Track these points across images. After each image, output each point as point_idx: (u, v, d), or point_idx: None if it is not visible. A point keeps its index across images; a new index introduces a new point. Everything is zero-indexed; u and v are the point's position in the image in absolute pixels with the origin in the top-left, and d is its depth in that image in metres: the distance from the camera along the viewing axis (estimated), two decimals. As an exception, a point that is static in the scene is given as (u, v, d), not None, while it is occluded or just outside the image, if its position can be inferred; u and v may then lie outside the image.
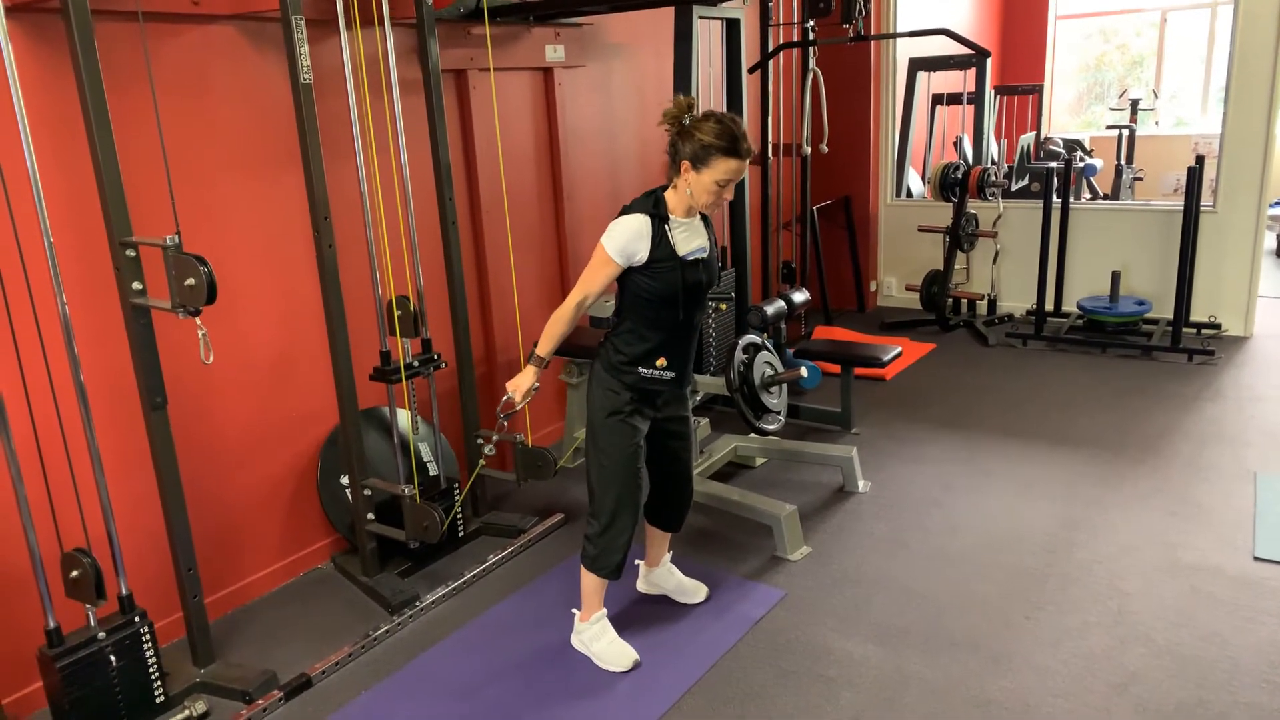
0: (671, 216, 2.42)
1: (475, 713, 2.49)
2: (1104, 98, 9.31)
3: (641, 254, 2.38)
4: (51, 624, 2.30)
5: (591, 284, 2.44)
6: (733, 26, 3.82)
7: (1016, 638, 2.68)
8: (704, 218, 2.53)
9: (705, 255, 2.49)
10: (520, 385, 2.59)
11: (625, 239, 2.38)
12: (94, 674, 2.35)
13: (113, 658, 2.38)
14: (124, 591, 2.43)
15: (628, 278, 2.44)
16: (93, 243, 2.50)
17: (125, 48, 2.55)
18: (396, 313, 3.05)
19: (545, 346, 2.55)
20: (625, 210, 2.44)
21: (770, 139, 5.33)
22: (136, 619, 2.43)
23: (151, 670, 2.46)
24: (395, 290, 3.13)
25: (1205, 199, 5.27)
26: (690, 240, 2.45)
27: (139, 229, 2.42)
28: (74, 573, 2.29)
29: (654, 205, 2.41)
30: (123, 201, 2.32)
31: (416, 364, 3.11)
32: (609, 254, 2.39)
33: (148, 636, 2.44)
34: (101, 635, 2.36)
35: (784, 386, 3.39)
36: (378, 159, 3.15)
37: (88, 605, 2.33)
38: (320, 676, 2.66)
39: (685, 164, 2.36)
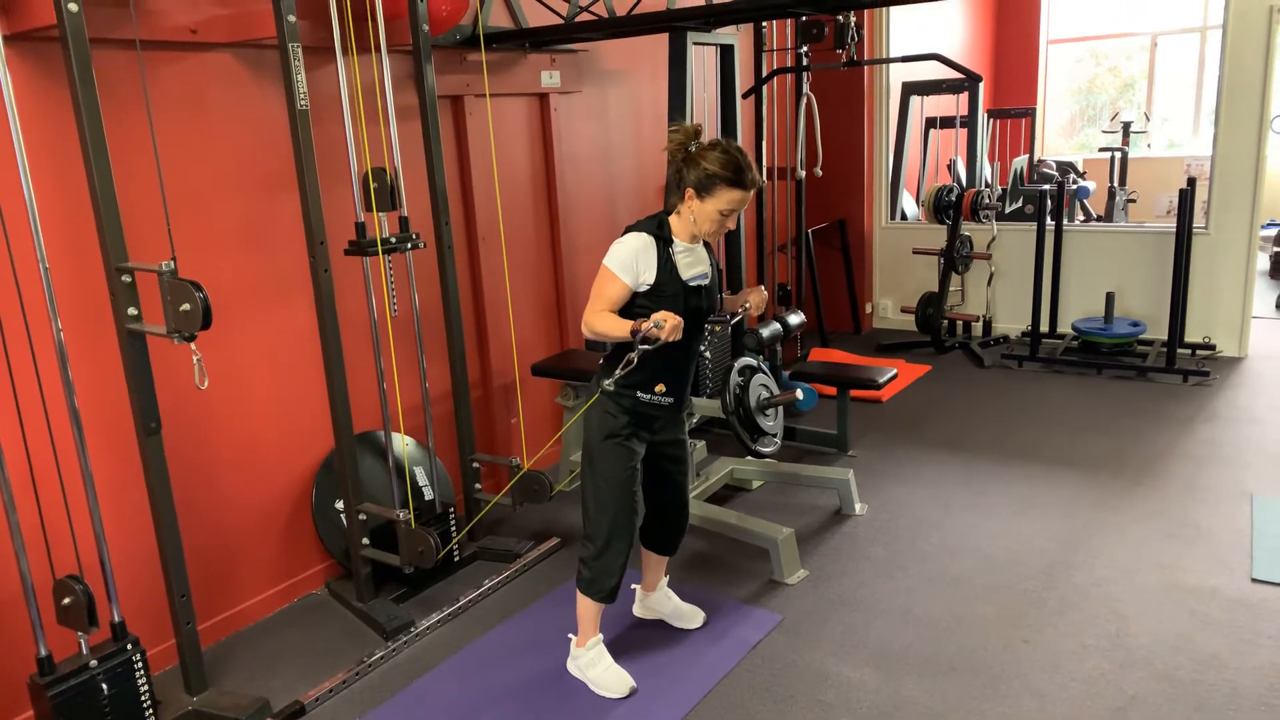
0: (675, 240, 2.43)
1: (470, 740, 2.47)
2: (1096, 120, 9.39)
3: (647, 276, 2.38)
4: (43, 652, 2.28)
5: (607, 301, 2.37)
6: (727, 52, 3.85)
7: (1015, 662, 2.67)
8: (705, 244, 2.54)
9: (706, 282, 2.50)
10: (657, 315, 2.25)
11: (628, 256, 2.37)
12: (86, 702, 2.32)
13: (105, 686, 2.36)
14: (116, 618, 2.41)
15: (630, 303, 2.43)
16: (88, 268, 2.51)
17: (123, 74, 2.56)
18: (373, 185, 2.87)
19: (624, 325, 2.30)
20: (629, 230, 2.44)
21: (765, 163, 5.36)
22: (129, 646, 2.41)
23: (144, 698, 2.44)
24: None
25: (1198, 220, 5.31)
26: (693, 266, 2.46)
27: (135, 254, 2.43)
28: (66, 600, 2.27)
29: (658, 227, 2.42)
30: (119, 227, 2.33)
31: (394, 240, 2.98)
32: (613, 271, 2.38)
33: (140, 664, 2.42)
34: (94, 663, 2.34)
35: (780, 409, 3.38)
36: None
37: (80, 633, 2.31)
38: (314, 704, 2.64)
39: (689, 191, 2.37)
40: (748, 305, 2.67)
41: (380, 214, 2.92)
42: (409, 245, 3.02)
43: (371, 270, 2.99)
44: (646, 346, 2.28)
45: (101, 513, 2.40)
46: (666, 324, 2.23)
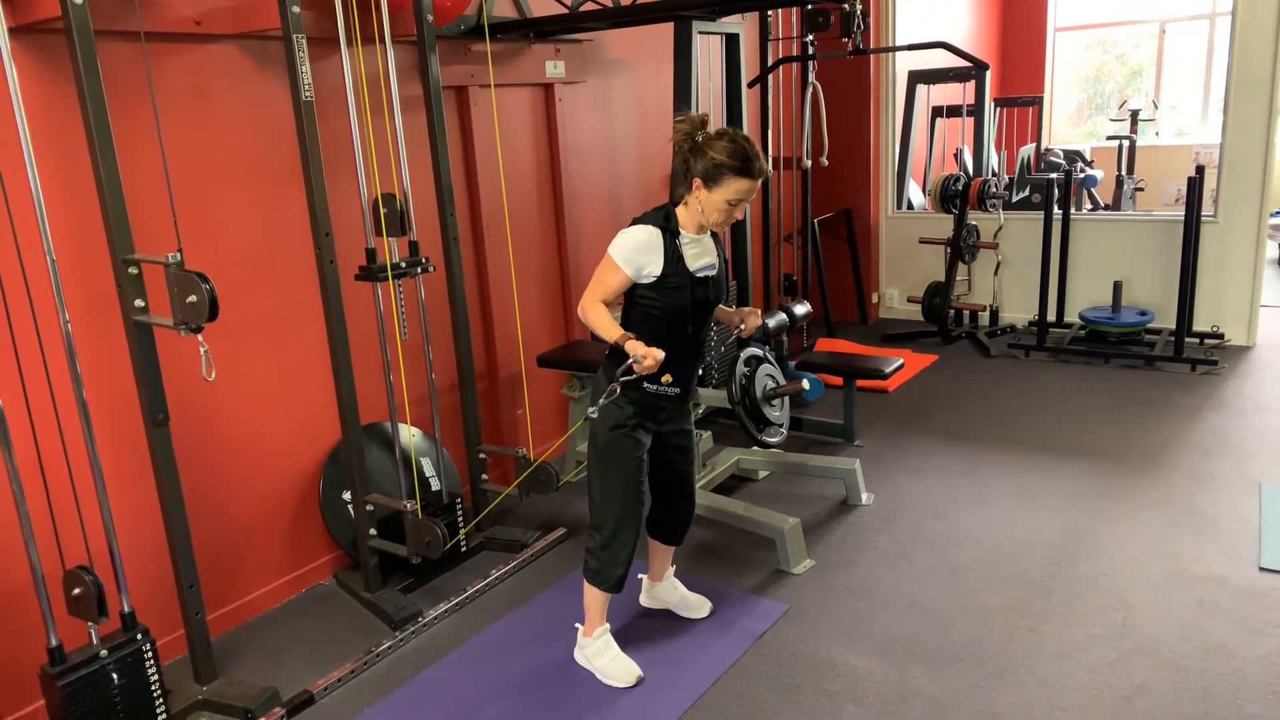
0: (683, 232, 2.42)
1: (478, 729, 2.48)
2: (1104, 109, 9.33)
3: (652, 268, 2.38)
4: (53, 642, 2.30)
5: (606, 290, 2.41)
6: (732, 41, 3.84)
7: (1021, 651, 2.67)
8: (713, 235, 2.53)
9: (714, 273, 2.50)
10: (637, 348, 2.32)
11: (632, 248, 2.38)
12: (96, 692, 2.34)
13: (115, 676, 2.37)
14: (126, 609, 2.43)
15: (636, 293, 2.43)
16: (95, 260, 2.51)
17: (128, 66, 2.57)
18: (382, 211, 2.94)
19: (614, 331, 2.38)
20: (635, 223, 2.44)
21: (771, 152, 5.35)
22: (139, 636, 2.42)
23: (154, 688, 2.46)
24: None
25: (1206, 209, 5.28)
26: (700, 257, 2.45)
27: (141, 246, 2.43)
28: (76, 590, 2.29)
29: (665, 219, 2.42)
30: (125, 219, 2.33)
31: (403, 265, 3.01)
32: (615, 262, 2.39)
33: (150, 654, 2.44)
34: (104, 653, 2.36)
35: (786, 399, 3.38)
36: (379, 175, 3.17)
37: (90, 623, 2.33)
38: (323, 693, 2.65)
39: (697, 181, 2.36)
40: (742, 326, 2.68)
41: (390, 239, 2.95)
42: (419, 270, 3.05)
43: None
44: (627, 378, 2.37)
45: (110, 504, 2.42)
46: (645, 360, 2.30)
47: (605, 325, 2.39)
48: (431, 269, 3.09)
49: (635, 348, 2.32)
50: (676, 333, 2.45)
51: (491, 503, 3.40)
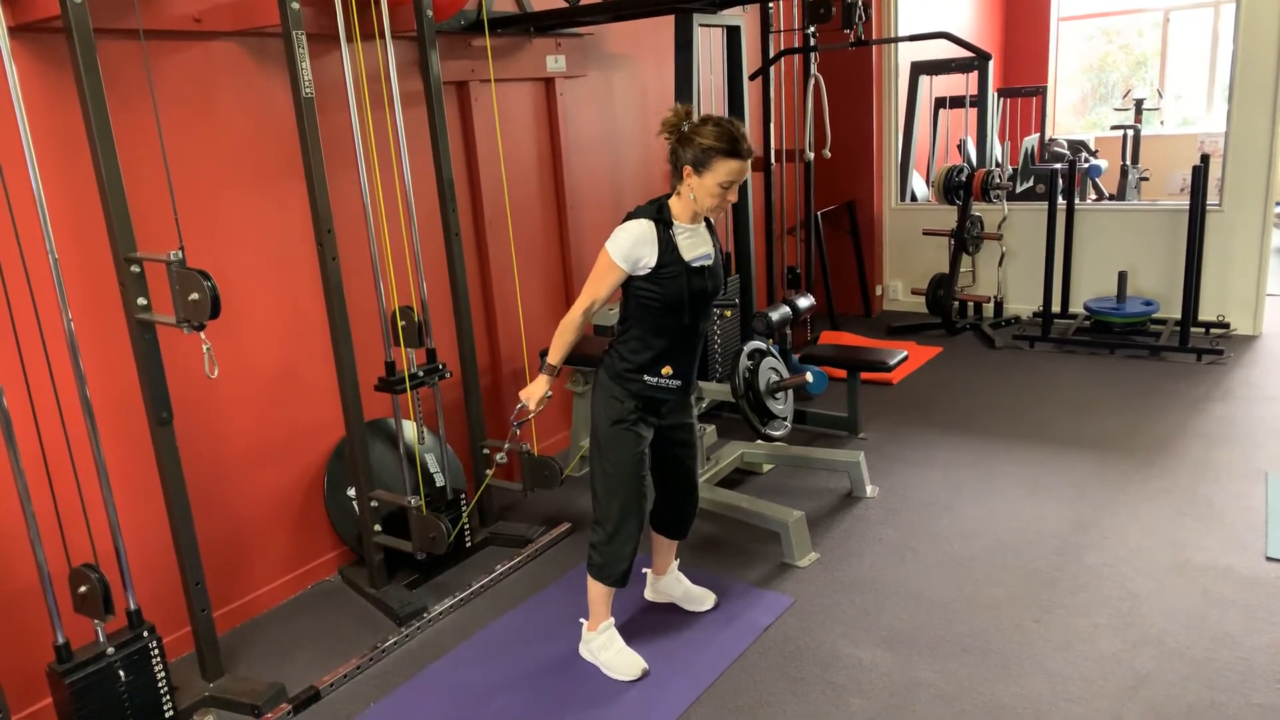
0: (676, 223, 2.43)
1: (484, 724, 2.49)
2: (1108, 98, 9.29)
3: (647, 260, 2.39)
4: (60, 640, 2.31)
5: (598, 290, 2.44)
6: (733, 34, 3.83)
7: (1027, 642, 2.66)
8: (709, 226, 2.53)
9: (710, 262, 2.50)
10: (533, 393, 2.56)
11: (629, 244, 2.39)
12: (103, 689, 2.35)
13: (122, 673, 2.38)
14: (132, 606, 2.44)
15: (633, 285, 2.44)
16: (97, 259, 2.52)
17: (128, 65, 2.57)
18: (400, 323, 3.06)
19: (555, 355, 2.52)
20: (629, 217, 2.45)
21: (773, 145, 5.34)
22: (145, 633, 2.43)
23: (161, 685, 2.47)
24: (399, 302, 3.14)
25: (1211, 198, 5.25)
26: (696, 246, 2.46)
27: (143, 245, 2.43)
28: (82, 588, 2.29)
29: (658, 211, 2.42)
30: (127, 217, 2.33)
31: (421, 374, 3.11)
32: (613, 259, 2.39)
33: (156, 651, 2.45)
34: (110, 650, 2.37)
35: (790, 392, 3.38)
36: (380, 172, 3.17)
37: (96, 620, 2.33)
38: (329, 689, 2.66)
39: (687, 169, 2.37)
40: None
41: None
42: (436, 377, 3.13)
43: (377, 242, 2.99)
44: (521, 421, 2.62)
45: (115, 502, 2.42)
46: (528, 407, 2.56)
47: (558, 347, 2.51)
48: (449, 375, 3.18)
49: (532, 390, 2.55)
50: (674, 323, 2.45)
51: (489, 492, 3.40)
